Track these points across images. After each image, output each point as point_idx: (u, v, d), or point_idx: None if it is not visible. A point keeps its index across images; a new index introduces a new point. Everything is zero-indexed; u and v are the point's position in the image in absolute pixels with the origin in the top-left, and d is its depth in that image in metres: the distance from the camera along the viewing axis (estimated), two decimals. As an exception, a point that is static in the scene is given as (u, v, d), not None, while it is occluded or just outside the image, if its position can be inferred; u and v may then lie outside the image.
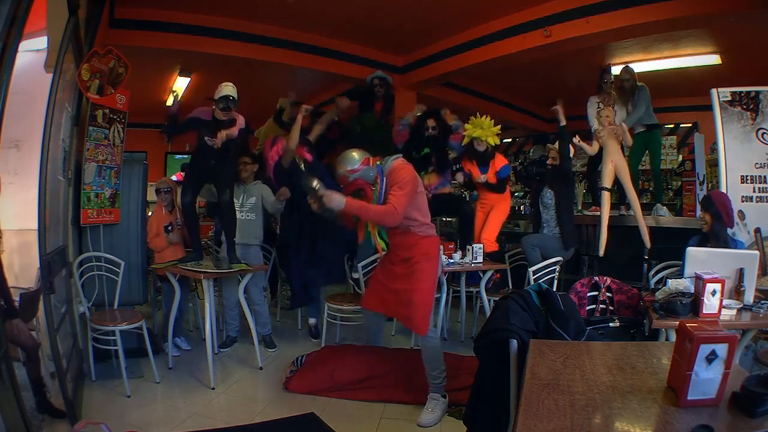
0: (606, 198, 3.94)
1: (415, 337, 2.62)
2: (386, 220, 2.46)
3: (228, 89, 3.17)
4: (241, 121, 3.29)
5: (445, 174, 4.04)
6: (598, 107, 4.15)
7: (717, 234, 2.72)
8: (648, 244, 3.82)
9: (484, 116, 3.83)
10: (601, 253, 3.83)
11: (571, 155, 3.85)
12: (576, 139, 3.95)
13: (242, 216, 3.64)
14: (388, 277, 2.66)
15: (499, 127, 3.87)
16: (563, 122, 3.74)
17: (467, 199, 5.90)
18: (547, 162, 3.88)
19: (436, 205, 3.61)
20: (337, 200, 2.40)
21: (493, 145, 3.85)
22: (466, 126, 3.88)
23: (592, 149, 4.05)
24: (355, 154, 2.55)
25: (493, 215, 4.01)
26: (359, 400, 2.82)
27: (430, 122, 3.94)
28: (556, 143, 3.87)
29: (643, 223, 3.82)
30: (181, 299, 3.43)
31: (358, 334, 3.52)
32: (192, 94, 6.57)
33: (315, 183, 2.42)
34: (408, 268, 2.57)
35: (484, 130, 3.78)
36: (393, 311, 2.68)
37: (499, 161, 3.95)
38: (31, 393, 2.08)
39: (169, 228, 3.50)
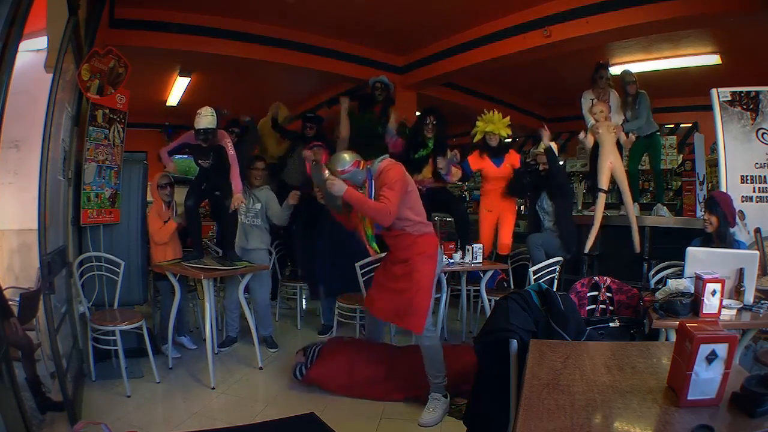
0: (601, 200, 3.90)
1: (415, 336, 2.63)
2: (379, 217, 2.48)
3: (206, 121, 3.19)
4: (226, 141, 3.32)
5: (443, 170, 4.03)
6: (592, 103, 4.10)
7: (723, 235, 2.70)
8: (638, 249, 3.85)
9: (492, 111, 3.90)
10: (586, 250, 3.89)
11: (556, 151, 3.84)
12: (581, 135, 3.97)
13: (248, 221, 3.61)
14: (388, 278, 2.69)
15: (508, 118, 3.93)
16: (547, 144, 3.70)
17: (467, 198, 5.84)
18: (540, 169, 3.82)
19: (429, 203, 3.61)
20: (338, 186, 2.45)
21: (505, 136, 3.93)
22: (478, 123, 3.93)
23: (587, 142, 4.04)
24: (346, 156, 2.60)
25: (507, 218, 4.00)
26: (380, 399, 2.80)
27: (431, 118, 3.95)
28: (540, 146, 3.83)
29: (636, 228, 3.86)
30: (180, 299, 3.42)
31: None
32: (192, 94, 6.58)
33: (327, 173, 2.52)
34: (406, 268, 2.59)
35: (495, 124, 3.86)
36: (391, 314, 2.69)
37: (514, 156, 3.98)
38: (31, 393, 2.08)
39: (167, 220, 3.49)
